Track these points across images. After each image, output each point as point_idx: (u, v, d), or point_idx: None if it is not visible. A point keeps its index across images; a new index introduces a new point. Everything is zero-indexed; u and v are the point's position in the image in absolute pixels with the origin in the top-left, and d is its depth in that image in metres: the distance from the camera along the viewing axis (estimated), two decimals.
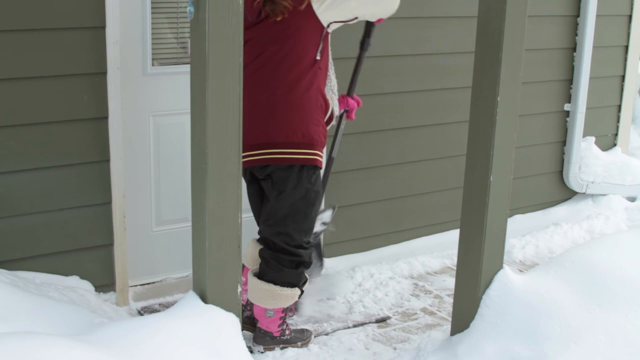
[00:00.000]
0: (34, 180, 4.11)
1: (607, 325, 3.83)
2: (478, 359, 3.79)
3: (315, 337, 4.27)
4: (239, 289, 3.29)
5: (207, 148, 3.10)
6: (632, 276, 4.02)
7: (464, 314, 4.00)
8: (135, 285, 4.63)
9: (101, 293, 4.39)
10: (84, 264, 4.34)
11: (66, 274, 4.27)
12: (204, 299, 3.23)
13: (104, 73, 4.16)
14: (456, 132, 5.37)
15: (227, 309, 3.23)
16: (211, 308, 3.20)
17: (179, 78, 4.48)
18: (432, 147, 5.46)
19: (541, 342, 3.80)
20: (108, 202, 4.33)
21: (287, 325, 4.14)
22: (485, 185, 3.85)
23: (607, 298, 3.93)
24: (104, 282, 4.41)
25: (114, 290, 4.44)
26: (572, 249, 4.44)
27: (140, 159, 4.54)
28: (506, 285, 3.98)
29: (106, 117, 4.21)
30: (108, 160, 4.27)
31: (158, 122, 4.56)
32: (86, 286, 4.30)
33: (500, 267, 4.02)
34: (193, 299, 3.24)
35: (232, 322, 3.21)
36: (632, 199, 6.63)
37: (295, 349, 4.14)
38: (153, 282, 4.70)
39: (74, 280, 4.28)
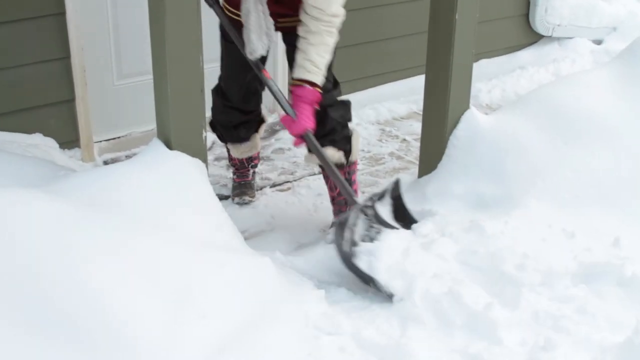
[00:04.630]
0: None
1: (573, 161, 3.87)
2: (446, 198, 3.82)
3: (285, 183, 4.35)
4: (204, 134, 3.25)
5: None
6: (598, 113, 4.04)
7: (431, 155, 4.01)
8: (100, 141, 4.58)
9: (66, 150, 4.34)
10: (46, 121, 4.27)
11: (29, 131, 4.20)
12: (169, 146, 3.17)
13: None
14: None
15: (193, 154, 3.18)
16: (176, 154, 3.15)
17: None
18: None
19: (508, 180, 3.83)
20: (67, 57, 4.22)
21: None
22: (451, 23, 3.79)
23: (573, 135, 3.95)
24: (69, 139, 4.36)
25: (78, 146, 4.40)
26: (538, 89, 4.44)
27: (97, 10, 4.40)
28: (473, 126, 3.98)
29: None
30: (64, 13, 4.13)
31: None
32: (50, 143, 4.25)
33: (467, 107, 4.01)
34: (158, 145, 3.19)
35: (198, 167, 3.17)
36: (598, 42, 6.60)
37: (266, 196, 4.21)
38: (118, 137, 4.65)
39: (37, 138, 4.22)
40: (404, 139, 4.94)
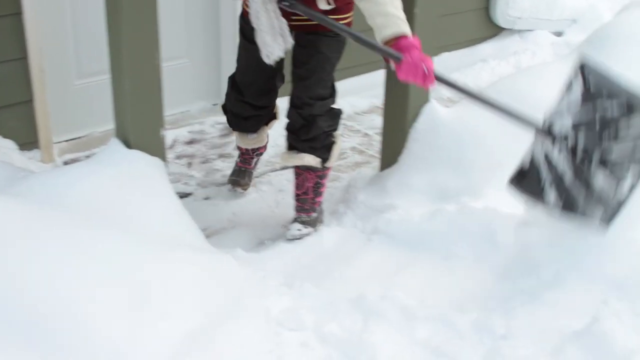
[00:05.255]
0: None
1: None
2: (407, 191, 3.84)
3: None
4: (162, 133, 3.23)
5: None
6: None
7: (392, 149, 4.02)
8: (60, 142, 4.53)
9: (25, 151, 4.29)
10: (4, 122, 4.22)
11: None
12: (128, 145, 3.16)
13: None
14: None
15: (152, 153, 3.17)
16: (135, 153, 3.14)
17: None
18: None
19: (469, 171, 3.86)
20: (24, 57, 4.17)
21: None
22: (411, 17, 3.78)
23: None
24: (28, 140, 4.31)
25: (38, 147, 4.35)
26: (498, 81, 4.47)
27: (55, 9, 4.35)
28: (433, 119, 4.00)
29: None
30: (20, 13, 4.09)
31: None
32: (9, 145, 4.20)
33: (427, 100, 4.02)
34: (116, 145, 3.18)
35: (157, 166, 3.17)
36: (559, 34, 6.65)
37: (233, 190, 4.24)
38: (78, 138, 4.61)
39: None
40: (366, 134, 4.95)
